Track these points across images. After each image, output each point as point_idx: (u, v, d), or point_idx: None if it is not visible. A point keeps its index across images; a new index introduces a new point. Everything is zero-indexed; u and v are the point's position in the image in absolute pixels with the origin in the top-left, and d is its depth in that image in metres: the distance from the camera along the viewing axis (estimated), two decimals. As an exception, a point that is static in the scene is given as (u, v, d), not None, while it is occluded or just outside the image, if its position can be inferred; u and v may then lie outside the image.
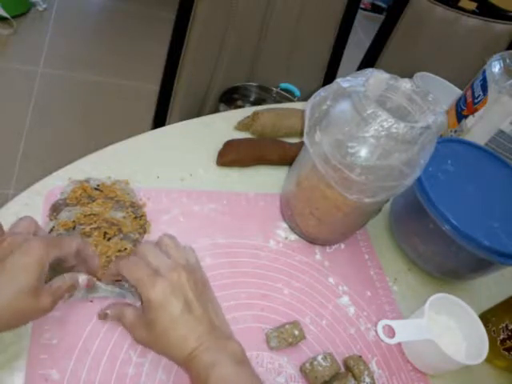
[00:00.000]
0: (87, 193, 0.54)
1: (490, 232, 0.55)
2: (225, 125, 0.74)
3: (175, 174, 0.64)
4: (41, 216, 0.53)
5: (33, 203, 0.54)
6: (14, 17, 1.94)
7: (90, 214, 0.52)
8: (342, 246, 0.64)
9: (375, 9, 2.96)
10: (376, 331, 0.53)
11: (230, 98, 1.04)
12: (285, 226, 0.63)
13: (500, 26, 1.15)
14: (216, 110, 1.04)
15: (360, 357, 0.51)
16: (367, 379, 0.49)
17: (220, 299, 0.48)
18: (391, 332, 0.52)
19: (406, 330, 0.52)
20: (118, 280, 0.48)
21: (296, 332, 0.51)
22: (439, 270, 0.63)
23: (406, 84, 0.51)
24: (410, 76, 1.07)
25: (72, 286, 0.43)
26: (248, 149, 0.68)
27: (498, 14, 1.14)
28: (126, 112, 1.80)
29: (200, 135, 0.71)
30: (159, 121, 1.04)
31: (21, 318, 0.40)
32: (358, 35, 2.58)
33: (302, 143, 0.54)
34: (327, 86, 0.52)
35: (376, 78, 0.50)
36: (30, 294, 0.38)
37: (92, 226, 0.51)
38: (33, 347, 0.43)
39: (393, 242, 0.67)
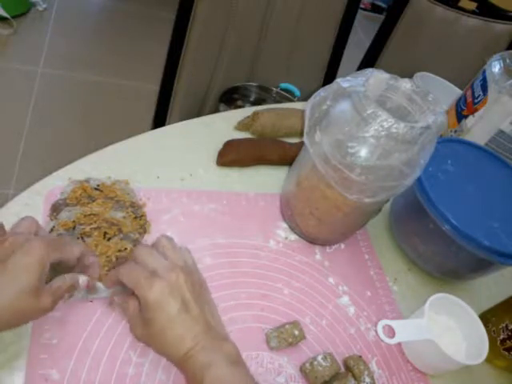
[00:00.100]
0: (87, 193, 0.54)
1: (490, 232, 0.55)
2: (225, 125, 0.74)
3: (175, 173, 0.64)
4: (41, 216, 0.53)
5: (33, 203, 0.54)
6: (14, 17, 1.94)
7: (90, 214, 0.52)
8: (342, 246, 0.64)
9: (375, 9, 2.96)
10: (376, 331, 0.53)
11: (230, 98, 1.04)
12: (285, 225, 0.63)
13: (500, 26, 1.15)
14: (216, 110, 1.04)
15: (360, 357, 0.51)
16: (367, 379, 0.49)
17: (220, 299, 0.48)
18: (391, 332, 0.52)
19: (406, 330, 0.52)
20: None
21: (296, 332, 0.51)
22: (439, 270, 0.63)
23: (406, 84, 0.51)
24: (410, 76, 1.07)
25: (72, 286, 0.43)
26: (248, 149, 0.68)
27: (498, 14, 1.14)
28: (126, 112, 1.80)
29: (200, 135, 0.71)
30: (159, 121, 1.04)
31: (21, 318, 0.40)
32: (357, 35, 2.58)
33: (301, 143, 0.54)
34: (327, 86, 0.52)
35: (376, 77, 0.50)
36: (31, 293, 0.38)
37: (92, 226, 0.51)
38: (33, 347, 0.43)
39: (393, 242, 0.67)
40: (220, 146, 0.68)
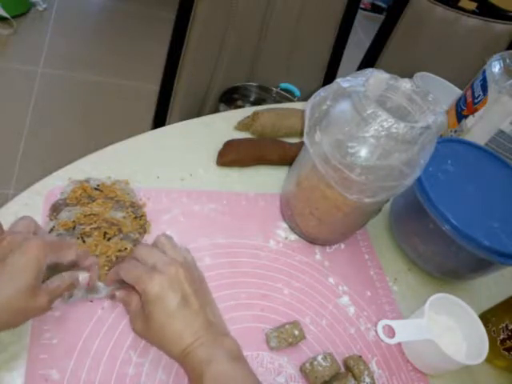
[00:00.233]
0: (87, 193, 0.54)
1: (490, 232, 0.55)
2: (225, 125, 0.74)
3: (175, 173, 0.64)
4: (41, 216, 0.53)
5: (33, 203, 0.54)
6: (14, 17, 1.94)
7: (90, 214, 0.52)
8: (342, 246, 0.64)
9: (375, 9, 2.96)
10: (376, 331, 0.53)
11: (230, 98, 1.04)
12: (285, 225, 0.63)
13: (500, 26, 1.15)
14: (216, 110, 1.04)
15: (360, 357, 0.51)
16: (367, 379, 0.49)
17: (220, 299, 0.48)
18: (391, 332, 0.52)
19: (406, 330, 0.52)
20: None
21: (296, 332, 0.51)
22: (439, 270, 0.63)
23: (406, 84, 0.51)
24: (410, 76, 1.07)
25: (71, 284, 0.43)
26: (248, 149, 0.68)
27: (498, 14, 1.14)
28: (126, 112, 1.80)
29: (200, 135, 0.71)
30: (159, 121, 1.04)
31: (19, 317, 0.40)
32: (357, 35, 2.58)
33: (302, 143, 0.54)
34: (327, 86, 0.52)
35: (376, 77, 0.50)
36: (28, 293, 0.38)
37: (92, 226, 0.51)
38: (33, 347, 0.43)
39: (393, 242, 0.67)
40: (220, 146, 0.68)
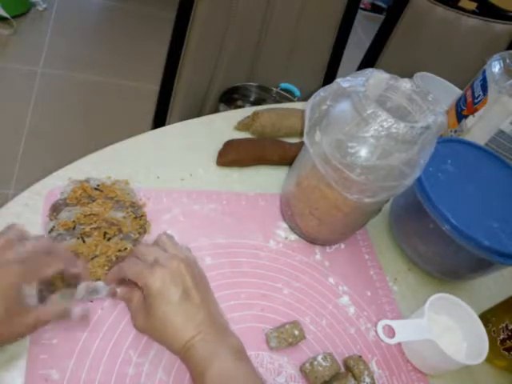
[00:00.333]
0: (87, 193, 0.54)
1: (490, 232, 0.55)
2: (225, 125, 0.74)
3: (175, 174, 0.64)
4: (41, 216, 0.53)
5: (33, 203, 0.54)
6: (14, 17, 1.93)
7: (90, 214, 0.52)
8: (342, 245, 0.64)
9: (375, 9, 2.96)
10: (376, 331, 0.53)
11: (230, 98, 1.04)
12: (285, 226, 0.63)
13: (500, 26, 1.15)
14: (216, 110, 1.04)
15: (360, 357, 0.51)
16: (367, 379, 0.49)
17: (220, 299, 0.48)
18: (391, 332, 0.52)
19: (406, 330, 0.52)
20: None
21: (296, 332, 0.51)
22: (439, 270, 0.63)
23: (406, 84, 0.51)
24: (410, 76, 1.07)
25: (62, 316, 0.42)
26: (248, 149, 0.68)
27: (498, 14, 1.14)
28: (126, 112, 1.80)
29: (200, 135, 0.71)
30: (159, 121, 1.04)
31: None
32: (357, 35, 2.58)
33: (302, 143, 0.54)
34: (327, 86, 0.52)
35: (376, 77, 0.50)
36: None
37: (92, 226, 0.51)
38: (33, 347, 0.43)
39: (393, 242, 0.67)
40: (220, 146, 0.68)
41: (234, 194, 0.64)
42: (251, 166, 0.69)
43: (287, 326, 0.51)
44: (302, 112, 0.72)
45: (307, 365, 0.49)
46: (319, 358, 0.49)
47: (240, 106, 1.05)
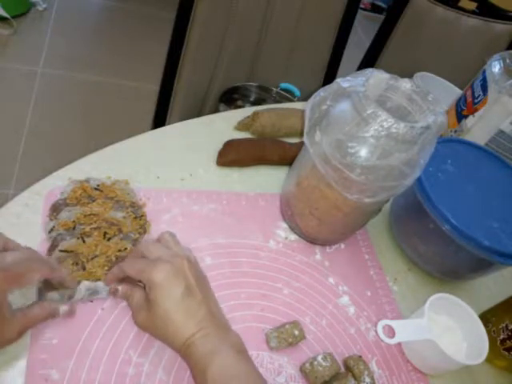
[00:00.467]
0: (87, 193, 0.54)
1: (490, 232, 0.55)
2: (225, 125, 0.74)
3: (175, 174, 0.64)
4: (41, 216, 0.53)
5: (33, 203, 0.54)
6: (14, 17, 1.94)
7: (90, 214, 0.52)
8: (342, 245, 0.64)
9: (375, 9, 2.96)
10: (376, 331, 0.53)
11: (230, 98, 1.04)
12: (285, 226, 0.63)
13: (500, 26, 1.15)
14: (216, 110, 1.04)
15: (360, 357, 0.51)
16: (367, 379, 0.49)
17: (220, 299, 0.48)
18: (391, 332, 0.52)
19: (406, 330, 0.52)
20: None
21: (296, 332, 0.51)
22: (439, 270, 0.63)
23: (406, 84, 0.51)
24: (410, 76, 1.07)
25: (50, 315, 0.42)
26: (248, 149, 0.68)
27: (498, 14, 1.14)
28: (126, 112, 1.80)
29: (200, 135, 0.71)
30: (159, 121, 1.04)
31: None
32: (357, 35, 2.58)
33: (302, 143, 0.54)
34: (327, 86, 0.52)
35: (376, 77, 0.50)
36: None
37: (92, 226, 0.51)
38: (33, 347, 0.43)
39: (393, 242, 0.67)
40: (220, 146, 0.68)
41: (234, 193, 0.64)
42: (251, 165, 0.69)
43: (287, 326, 0.51)
44: (302, 112, 0.72)
45: (307, 365, 0.49)
46: (319, 358, 0.49)
47: (240, 106, 1.05)
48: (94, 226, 0.51)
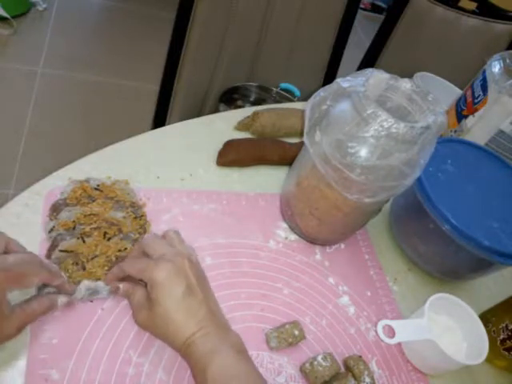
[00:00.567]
0: (87, 193, 0.54)
1: (490, 232, 0.55)
2: (225, 125, 0.74)
3: (175, 174, 0.64)
4: (41, 216, 0.53)
5: (33, 203, 0.54)
6: (14, 17, 1.94)
7: (90, 214, 0.52)
8: (342, 245, 0.64)
9: (375, 9, 2.96)
10: (376, 331, 0.53)
11: (230, 98, 1.04)
12: (285, 226, 0.63)
13: (500, 26, 1.15)
14: (216, 110, 1.04)
15: (360, 357, 0.51)
16: (367, 379, 0.49)
17: (220, 299, 0.48)
18: (391, 332, 0.52)
19: (406, 330, 0.52)
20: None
21: (296, 332, 0.51)
22: (439, 270, 0.63)
23: (406, 84, 0.51)
24: (410, 76, 1.07)
25: (49, 307, 0.42)
26: (248, 149, 0.68)
27: (498, 14, 1.14)
28: (126, 112, 1.80)
29: (200, 135, 0.71)
30: (159, 121, 1.04)
31: None
32: (358, 35, 2.58)
33: (302, 143, 0.54)
34: (327, 86, 0.52)
35: (376, 77, 0.50)
36: None
37: (92, 226, 0.51)
38: (33, 347, 0.43)
39: (393, 242, 0.67)
40: (220, 146, 0.68)
41: (234, 193, 0.64)
42: (251, 165, 0.69)
43: (287, 326, 0.51)
44: (302, 112, 0.72)
45: (307, 365, 0.49)
46: (319, 358, 0.49)
47: (240, 106, 1.05)
48: (94, 225, 0.51)
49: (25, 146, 1.55)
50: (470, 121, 0.74)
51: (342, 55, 1.16)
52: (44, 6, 2.11)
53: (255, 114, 0.73)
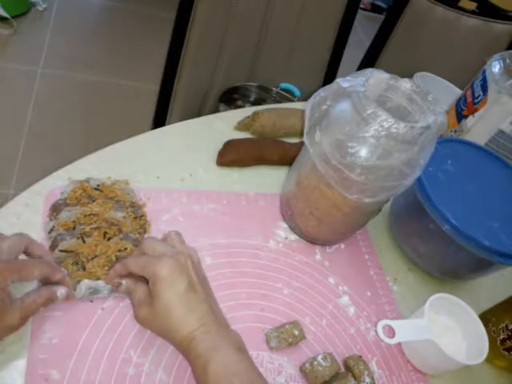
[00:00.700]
0: (87, 193, 0.54)
1: (490, 232, 0.55)
2: (225, 125, 0.74)
3: (175, 173, 0.64)
4: (41, 216, 0.53)
5: (33, 203, 0.54)
6: (14, 17, 1.94)
7: (90, 214, 0.52)
8: (342, 245, 0.64)
9: (375, 9, 2.96)
10: (376, 331, 0.53)
11: (230, 98, 1.04)
12: (285, 226, 0.63)
13: (500, 26, 1.15)
14: (216, 110, 1.04)
15: (360, 357, 0.51)
16: (367, 379, 0.49)
17: (220, 299, 0.48)
18: (391, 332, 0.52)
19: (406, 330, 0.52)
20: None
21: (296, 332, 0.51)
22: (439, 270, 0.63)
23: (406, 84, 0.51)
24: (410, 76, 1.07)
25: (49, 299, 0.42)
26: (248, 149, 0.68)
27: (498, 14, 1.14)
28: (126, 112, 1.80)
29: (200, 135, 0.71)
30: (159, 121, 1.04)
31: None
32: (358, 35, 2.58)
33: (302, 143, 0.54)
34: (327, 86, 0.52)
35: (376, 77, 0.50)
36: None
37: (92, 226, 0.51)
38: (33, 347, 0.43)
39: (393, 242, 0.67)
40: (220, 146, 0.68)
41: (234, 193, 0.64)
42: (251, 165, 0.69)
43: (287, 326, 0.51)
44: (302, 112, 0.72)
45: (307, 365, 0.49)
46: (319, 358, 0.49)
47: (240, 106, 1.05)
48: (94, 225, 0.51)
49: (25, 146, 1.55)
50: (470, 121, 0.74)
51: (342, 55, 1.16)
52: (44, 6, 2.11)
53: (255, 113, 0.73)
